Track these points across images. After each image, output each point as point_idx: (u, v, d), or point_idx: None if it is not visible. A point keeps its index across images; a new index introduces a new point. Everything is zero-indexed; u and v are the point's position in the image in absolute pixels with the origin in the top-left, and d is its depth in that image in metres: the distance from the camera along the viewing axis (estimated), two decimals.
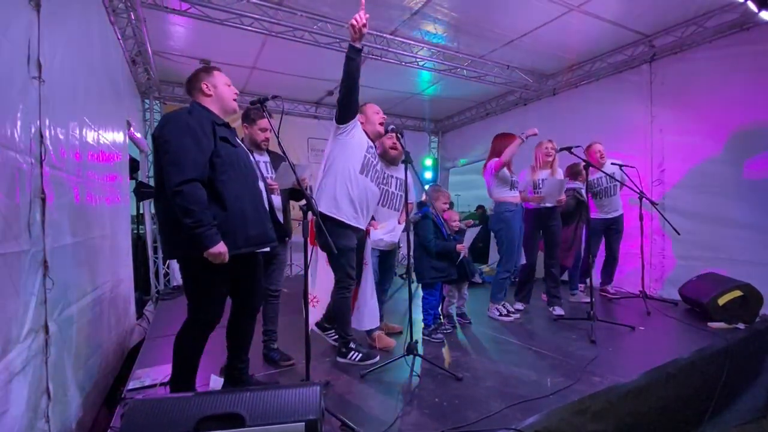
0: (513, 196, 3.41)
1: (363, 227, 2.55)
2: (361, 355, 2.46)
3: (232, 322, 1.98)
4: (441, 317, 3.20)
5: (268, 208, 1.97)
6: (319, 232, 2.16)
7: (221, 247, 1.60)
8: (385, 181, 2.81)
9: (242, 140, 2.48)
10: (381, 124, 2.62)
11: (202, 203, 1.59)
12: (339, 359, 2.50)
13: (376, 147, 2.67)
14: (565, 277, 4.19)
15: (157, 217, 1.75)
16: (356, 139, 2.48)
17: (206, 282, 1.71)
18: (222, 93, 1.87)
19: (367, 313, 2.66)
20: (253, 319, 2.01)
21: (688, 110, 4.04)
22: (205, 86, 1.84)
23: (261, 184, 1.98)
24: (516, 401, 1.90)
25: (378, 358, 2.47)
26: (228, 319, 1.97)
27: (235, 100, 1.92)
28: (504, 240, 3.40)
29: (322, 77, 5.28)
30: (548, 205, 3.55)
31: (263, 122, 2.42)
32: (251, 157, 2.00)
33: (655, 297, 4.05)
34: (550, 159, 3.57)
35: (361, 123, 2.58)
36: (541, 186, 3.54)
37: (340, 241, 2.31)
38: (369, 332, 2.83)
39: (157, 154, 1.69)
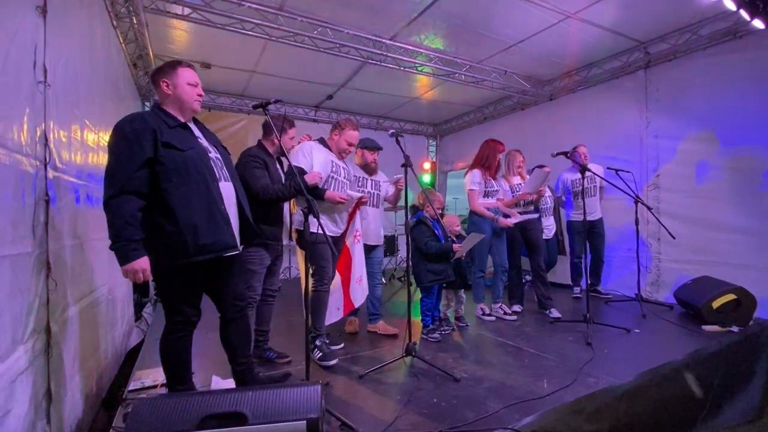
0: (486, 203, 3.58)
1: (335, 233, 2.71)
2: (321, 354, 2.49)
3: (220, 326, 1.92)
4: (439, 319, 3.23)
5: (237, 211, 1.87)
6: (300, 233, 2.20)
7: (138, 264, 1.53)
8: (360, 184, 3.01)
9: (260, 143, 2.52)
10: (346, 153, 2.79)
11: (124, 217, 1.52)
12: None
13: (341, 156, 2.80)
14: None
15: None
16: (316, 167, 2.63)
17: (171, 287, 1.70)
18: (181, 94, 1.75)
19: (359, 288, 2.78)
20: (234, 322, 1.90)
21: (683, 116, 4.10)
22: (164, 84, 1.74)
23: (226, 186, 1.83)
24: (513, 401, 1.93)
25: (336, 361, 2.45)
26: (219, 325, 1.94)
27: (198, 100, 1.81)
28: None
29: (322, 81, 5.32)
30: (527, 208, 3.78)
31: (292, 131, 2.56)
32: (209, 157, 1.80)
33: (650, 300, 4.09)
34: (520, 169, 3.90)
35: (334, 137, 2.75)
36: (518, 190, 3.75)
37: (315, 235, 2.34)
38: (372, 321, 3.08)
39: None
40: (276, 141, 2.46)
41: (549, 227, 4.26)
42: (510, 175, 3.89)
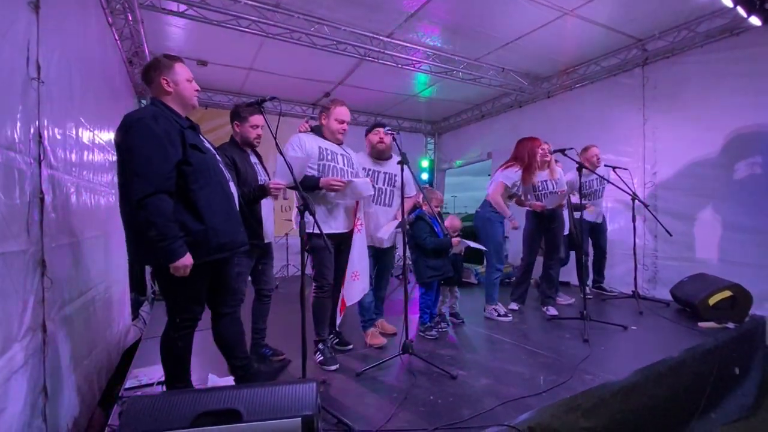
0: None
1: (341, 230, 2.52)
2: (322, 358, 2.45)
3: (213, 325, 1.93)
4: (437, 316, 3.23)
5: (239, 210, 1.90)
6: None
7: (186, 260, 1.57)
8: (371, 179, 2.71)
9: (232, 138, 2.46)
10: (341, 133, 2.56)
11: (166, 216, 1.54)
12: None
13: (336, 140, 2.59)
14: None
15: (123, 222, 1.67)
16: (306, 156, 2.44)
17: (180, 286, 1.68)
18: (183, 90, 1.77)
19: (356, 285, 2.55)
20: (231, 319, 1.95)
21: (681, 113, 4.10)
22: (164, 81, 1.74)
23: (232, 186, 1.90)
24: (509, 399, 1.93)
25: (337, 366, 2.40)
26: (211, 324, 1.95)
27: (196, 96, 1.83)
28: (488, 237, 3.44)
29: (319, 79, 5.31)
30: (549, 207, 3.63)
31: (255, 119, 2.38)
32: (217, 159, 1.87)
33: (647, 297, 4.11)
34: (547, 160, 3.64)
35: (323, 122, 2.55)
36: (540, 189, 3.63)
37: (315, 241, 2.34)
38: (364, 328, 2.91)
39: (121, 160, 1.62)
40: (237, 128, 2.41)
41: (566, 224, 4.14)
42: (536, 170, 3.63)
